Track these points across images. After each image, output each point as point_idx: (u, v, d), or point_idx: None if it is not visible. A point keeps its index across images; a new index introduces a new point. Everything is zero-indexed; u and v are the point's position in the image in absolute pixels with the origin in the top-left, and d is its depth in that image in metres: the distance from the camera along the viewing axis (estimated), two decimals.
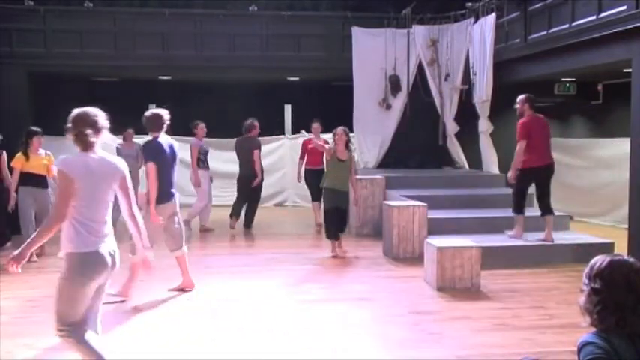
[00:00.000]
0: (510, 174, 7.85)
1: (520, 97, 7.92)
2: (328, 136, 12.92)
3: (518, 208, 7.98)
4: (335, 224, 8.26)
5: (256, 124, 10.45)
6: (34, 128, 8.37)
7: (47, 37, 11.16)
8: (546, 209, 7.86)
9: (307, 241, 9.47)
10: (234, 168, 12.59)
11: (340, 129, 8.31)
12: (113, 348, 4.86)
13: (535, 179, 7.82)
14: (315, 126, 10.66)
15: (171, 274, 6.60)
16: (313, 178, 10.19)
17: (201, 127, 10.24)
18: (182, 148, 12.95)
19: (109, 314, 5.52)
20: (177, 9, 11.85)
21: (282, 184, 13.60)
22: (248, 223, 10.34)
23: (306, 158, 10.63)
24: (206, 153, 10.27)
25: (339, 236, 8.37)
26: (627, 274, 2.20)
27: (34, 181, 8.14)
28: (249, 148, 10.21)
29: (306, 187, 10.92)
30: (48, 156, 8.29)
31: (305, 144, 10.67)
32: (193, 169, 10.01)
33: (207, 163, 10.29)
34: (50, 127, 11.05)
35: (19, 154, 8.24)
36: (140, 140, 9.68)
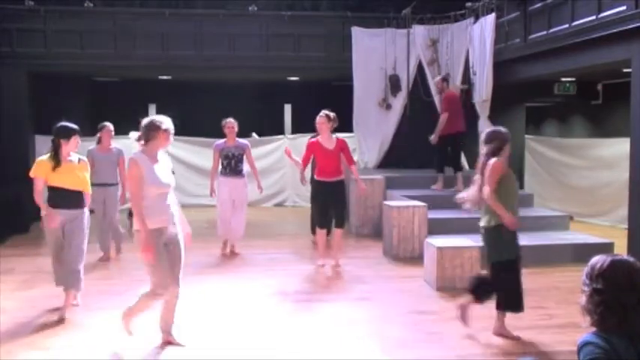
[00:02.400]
0: (433, 137, 9.60)
1: (437, 77, 10.41)
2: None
3: (440, 167, 9.92)
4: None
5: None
6: (69, 125, 5.71)
7: (47, 37, 11.16)
8: (457, 167, 9.80)
9: (307, 241, 9.46)
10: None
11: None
12: (116, 347, 4.87)
13: (450, 143, 9.71)
14: (321, 121, 7.61)
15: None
16: (325, 194, 7.55)
17: (227, 125, 8.41)
18: (190, 151, 13.17)
19: (109, 314, 5.53)
20: (177, 9, 11.87)
21: (281, 184, 13.60)
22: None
23: (316, 164, 7.76)
24: (232, 158, 8.37)
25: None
26: (629, 274, 2.20)
27: (65, 199, 5.62)
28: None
29: (303, 189, 10.53)
30: (83, 162, 5.88)
31: (310, 146, 7.65)
32: (211, 174, 8.72)
33: (235, 168, 8.36)
34: (50, 127, 11.07)
35: (43, 159, 5.67)
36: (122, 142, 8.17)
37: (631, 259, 2.27)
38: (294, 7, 12.33)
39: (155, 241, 4.53)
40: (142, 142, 4.70)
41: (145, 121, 4.76)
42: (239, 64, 11.87)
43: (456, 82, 11.28)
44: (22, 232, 9.73)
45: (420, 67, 11.60)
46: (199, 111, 14.43)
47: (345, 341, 5.04)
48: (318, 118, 7.51)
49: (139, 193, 4.53)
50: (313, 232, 8.83)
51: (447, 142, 9.69)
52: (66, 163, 5.61)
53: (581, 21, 8.29)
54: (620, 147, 9.72)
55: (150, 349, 4.83)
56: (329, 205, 7.48)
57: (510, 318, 5.43)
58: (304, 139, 11.20)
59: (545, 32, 9.22)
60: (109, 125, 8.01)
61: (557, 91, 12.98)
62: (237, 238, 8.57)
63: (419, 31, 11.52)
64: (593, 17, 8.01)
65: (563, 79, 12.61)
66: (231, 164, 8.35)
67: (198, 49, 11.67)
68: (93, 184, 6.30)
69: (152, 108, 14.10)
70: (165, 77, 13.35)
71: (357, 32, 11.60)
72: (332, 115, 7.56)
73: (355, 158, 12.03)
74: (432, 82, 11.33)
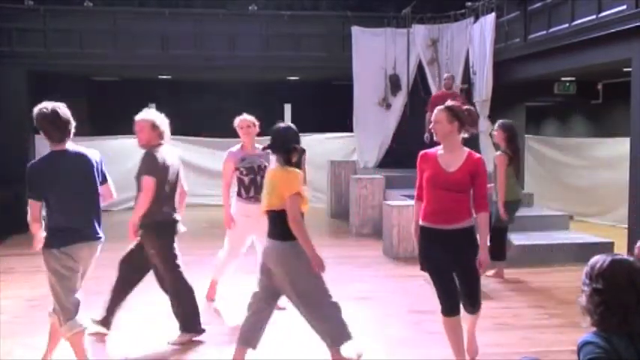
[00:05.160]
0: (427, 136, 9.21)
1: (446, 75, 10.21)
2: (329, 135, 13.03)
3: None
4: None
5: None
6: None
7: (47, 37, 11.16)
8: None
9: None
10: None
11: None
12: (117, 346, 4.87)
13: None
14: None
15: None
16: None
17: (242, 124, 5.90)
18: (190, 150, 13.17)
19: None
20: (177, 8, 11.87)
21: None
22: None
23: None
24: (258, 172, 5.67)
25: None
26: (629, 274, 2.20)
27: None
28: None
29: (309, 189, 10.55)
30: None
31: None
32: (223, 197, 5.84)
33: (257, 189, 5.57)
34: None
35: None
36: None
37: (631, 258, 2.27)
38: (294, 7, 12.34)
39: None
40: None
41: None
42: (239, 63, 11.86)
43: (456, 82, 11.28)
44: (22, 232, 9.72)
45: (420, 67, 11.61)
46: (199, 111, 14.43)
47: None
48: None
49: None
50: None
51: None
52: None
53: (581, 20, 8.29)
54: (619, 147, 9.72)
55: (150, 350, 4.82)
56: None
57: (511, 317, 5.45)
58: (304, 139, 11.18)
59: (545, 32, 9.22)
60: None
61: (557, 91, 12.98)
62: None
63: (419, 31, 11.51)
64: (593, 17, 8.01)
65: (563, 79, 12.61)
66: (257, 181, 5.60)
67: (198, 49, 11.66)
68: None
69: (152, 108, 14.11)
70: (165, 77, 13.35)
71: (357, 32, 11.60)
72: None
73: (355, 158, 12.08)
74: (433, 83, 11.34)
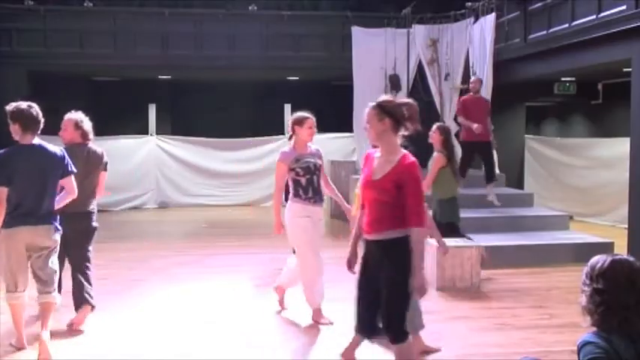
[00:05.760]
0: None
1: (473, 77, 9.68)
2: (329, 135, 13.03)
3: (460, 173, 9.17)
4: None
5: None
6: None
7: (47, 37, 11.18)
8: (487, 177, 9.03)
9: None
10: (235, 168, 12.64)
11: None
12: (118, 346, 4.87)
13: (477, 151, 9.09)
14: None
15: (174, 273, 6.56)
16: None
17: (309, 124, 5.49)
18: (190, 150, 13.18)
19: (109, 314, 5.53)
20: (177, 9, 11.87)
21: None
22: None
23: None
24: (314, 172, 5.41)
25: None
26: (629, 274, 2.20)
27: None
28: None
29: None
30: None
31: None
32: (274, 202, 5.72)
33: (319, 190, 5.46)
34: (50, 127, 11.05)
35: None
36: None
37: (631, 258, 2.27)
38: (294, 7, 12.35)
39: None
40: None
41: None
42: (239, 64, 11.87)
43: (456, 82, 11.28)
44: None
45: (420, 67, 11.60)
46: (199, 111, 14.43)
47: (345, 341, 5.03)
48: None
49: None
50: None
51: (468, 148, 9.20)
52: None
53: (582, 20, 8.30)
54: (619, 147, 9.72)
55: (151, 350, 4.83)
56: None
57: (511, 318, 5.45)
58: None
59: (545, 32, 9.23)
60: None
61: (557, 91, 12.99)
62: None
63: (419, 31, 11.51)
64: (593, 17, 8.01)
65: (563, 79, 12.61)
66: (314, 182, 5.40)
67: (198, 49, 11.67)
68: None
69: (152, 108, 14.10)
70: (165, 77, 13.35)
71: (357, 32, 11.60)
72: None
73: (355, 158, 12.08)
74: (432, 83, 11.34)
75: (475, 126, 8.68)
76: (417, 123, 3.65)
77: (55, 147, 4.68)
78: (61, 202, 4.64)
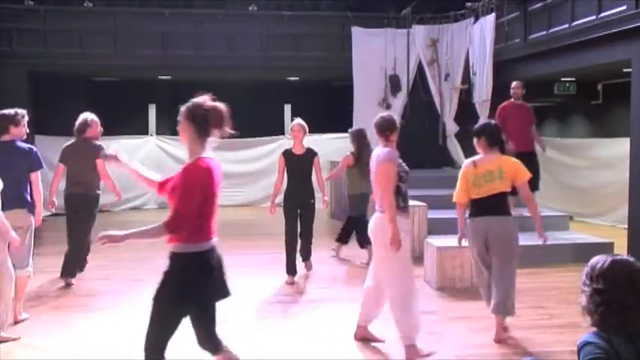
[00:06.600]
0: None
1: (515, 82, 8.76)
2: (329, 136, 13.03)
3: None
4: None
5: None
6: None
7: (47, 37, 11.17)
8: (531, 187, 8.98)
9: None
10: (235, 168, 12.60)
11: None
12: (118, 346, 4.87)
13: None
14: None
15: None
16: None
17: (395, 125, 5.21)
18: None
19: (110, 314, 5.53)
20: (177, 9, 11.86)
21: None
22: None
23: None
24: (405, 174, 4.91)
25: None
26: (629, 274, 2.20)
27: None
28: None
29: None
30: None
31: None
32: (389, 209, 4.54)
33: (405, 196, 4.80)
34: (50, 127, 11.06)
35: None
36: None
37: (631, 259, 2.27)
38: (294, 7, 12.34)
39: None
40: None
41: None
42: (239, 64, 11.86)
43: (456, 82, 11.29)
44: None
45: (420, 67, 11.61)
46: None
47: (345, 341, 5.03)
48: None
49: None
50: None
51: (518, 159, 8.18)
52: None
53: (581, 21, 8.30)
54: (619, 147, 9.72)
55: None
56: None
57: (511, 318, 5.43)
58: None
59: (545, 32, 9.23)
60: None
61: (557, 91, 12.99)
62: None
63: (419, 31, 11.52)
64: (593, 17, 8.02)
65: (563, 79, 12.62)
66: (406, 191, 4.82)
67: (198, 49, 11.67)
68: None
69: (152, 108, 14.09)
70: (165, 77, 13.34)
71: (357, 32, 11.61)
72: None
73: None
74: (432, 83, 11.32)
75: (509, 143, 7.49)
76: (227, 127, 3.39)
77: (28, 145, 5.27)
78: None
